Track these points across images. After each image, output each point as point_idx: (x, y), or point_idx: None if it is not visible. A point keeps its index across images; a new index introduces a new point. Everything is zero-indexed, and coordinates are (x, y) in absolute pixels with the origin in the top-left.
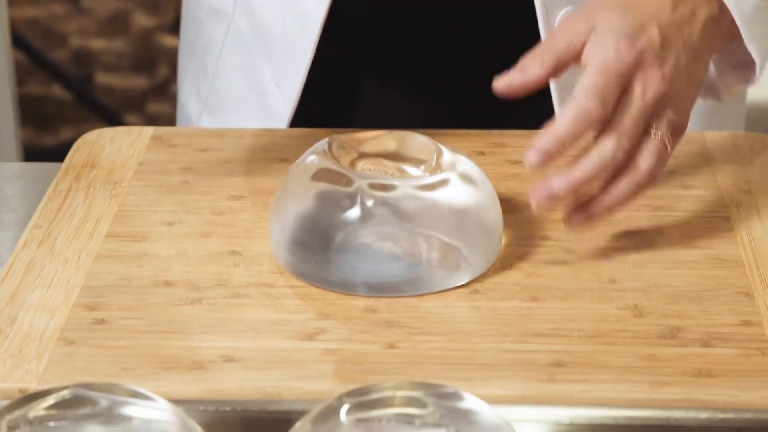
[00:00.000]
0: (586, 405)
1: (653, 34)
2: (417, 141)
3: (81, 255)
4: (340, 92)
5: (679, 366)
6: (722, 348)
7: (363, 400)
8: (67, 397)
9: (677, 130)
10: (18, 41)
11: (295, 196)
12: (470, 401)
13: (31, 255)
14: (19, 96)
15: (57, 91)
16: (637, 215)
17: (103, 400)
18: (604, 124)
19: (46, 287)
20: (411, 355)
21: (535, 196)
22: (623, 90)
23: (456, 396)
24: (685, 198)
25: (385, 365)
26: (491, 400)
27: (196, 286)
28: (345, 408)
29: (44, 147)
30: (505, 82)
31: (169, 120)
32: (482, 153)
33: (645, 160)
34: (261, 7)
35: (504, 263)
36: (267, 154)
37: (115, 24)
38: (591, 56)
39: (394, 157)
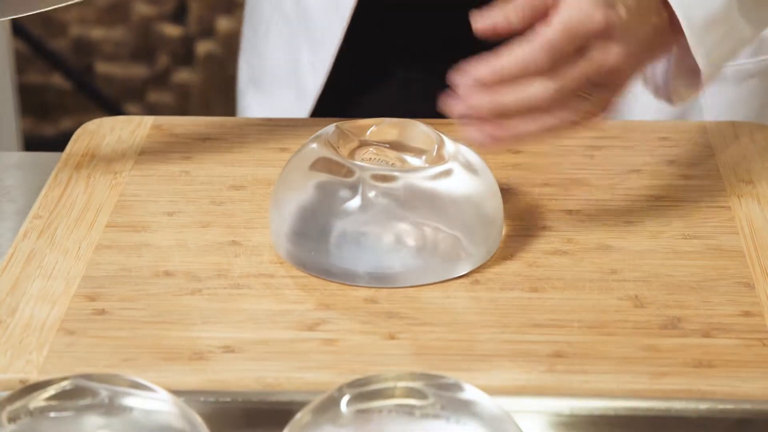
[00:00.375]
0: (586, 396)
1: (623, 12)
2: (419, 130)
3: (81, 245)
4: (368, 80)
5: (680, 357)
6: (722, 338)
7: (363, 390)
8: (68, 388)
9: (606, 109)
10: (18, 30)
11: (295, 185)
12: (470, 392)
13: (31, 245)
14: (19, 85)
15: (57, 80)
16: (637, 205)
17: (104, 391)
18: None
19: (46, 277)
20: (411, 345)
21: (452, 101)
22: (579, 49)
23: (456, 387)
24: (685, 187)
25: (386, 356)
26: (491, 391)
27: (197, 277)
28: (345, 399)
29: (44, 136)
30: (488, 22)
31: (170, 109)
32: None
33: (565, 113)
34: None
35: (504, 253)
36: (267, 144)
37: (115, 13)
38: (562, 9)
39: (396, 146)
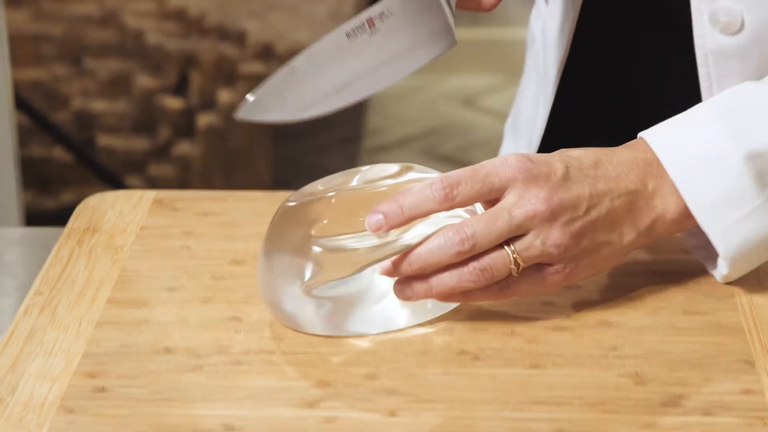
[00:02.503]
0: None
1: (557, 167)
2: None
3: (82, 322)
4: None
5: None
6: (724, 416)
7: None
8: None
9: (551, 262)
10: (21, 103)
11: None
12: None
13: (32, 322)
14: (21, 158)
15: (59, 153)
16: (637, 281)
17: None
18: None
19: (47, 355)
20: (412, 423)
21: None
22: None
23: None
24: (685, 263)
25: None
26: None
27: (197, 353)
28: None
29: (46, 209)
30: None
31: (171, 181)
32: None
33: (480, 262)
34: (545, 47)
35: (504, 329)
36: (267, 218)
37: (117, 86)
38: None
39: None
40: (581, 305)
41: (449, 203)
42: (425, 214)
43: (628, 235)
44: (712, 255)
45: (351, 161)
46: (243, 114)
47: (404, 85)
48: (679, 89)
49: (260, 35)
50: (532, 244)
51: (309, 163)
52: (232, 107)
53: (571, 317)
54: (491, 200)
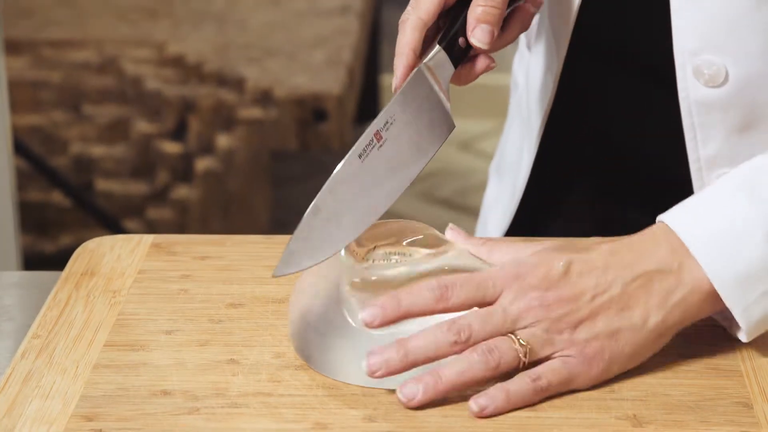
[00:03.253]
0: None
1: (557, 264)
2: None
3: (79, 365)
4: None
5: None
6: None
7: None
8: None
9: (560, 351)
10: (19, 148)
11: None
12: None
13: (29, 365)
14: (19, 202)
15: (57, 197)
16: None
17: None
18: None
19: (44, 398)
20: None
21: (370, 360)
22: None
23: None
24: None
25: None
26: None
27: (194, 396)
28: None
29: (43, 253)
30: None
31: (169, 225)
32: None
33: (483, 344)
34: (528, 92)
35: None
36: (266, 262)
37: (116, 130)
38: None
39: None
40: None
41: (444, 304)
42: (420, 313)
43: (653, 317)
44: (733, 322)
45: None
46: (279, 271)
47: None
48: (663, 138)
49: (259, 81)
50: (534, 333)
51: (306, 206)
52: (231, 151)
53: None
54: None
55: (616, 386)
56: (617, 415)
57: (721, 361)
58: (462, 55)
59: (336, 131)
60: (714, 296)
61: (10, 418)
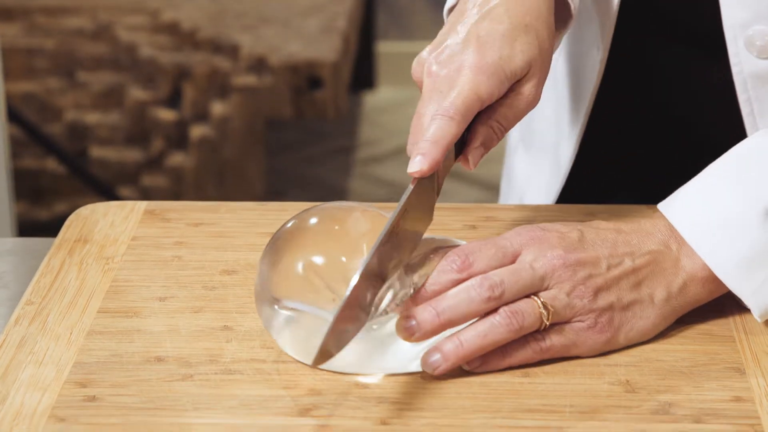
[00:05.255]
0: None
1: (572, 234)
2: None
3: (73, 331)
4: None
5: None
6: (714, 424)
7: None
8: None
9: (579, 317)
10: (13, 115)
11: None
12: None
13: (23, 332)
14: (14, 169)
15: (51, 164)
16: None
17: None
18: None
19: (37, 364)
20: (403, 431)
21: (404, 324)
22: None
23: None
24: None
25: None
26: None
27: (188, 362)
28: None
29: (38, 220)
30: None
31: (164, 193)
32: (474, 227)
33: (510, 306)
34: (563, 62)
35: None
36: (260, 229)
37: (110, 98)
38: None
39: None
40: None
41: (468, 271)
42: (446, 287)
43: (660, 294)
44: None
45: (344, 172)
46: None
47: (397, 97)
48: (718, 112)
49: (253, 48)
50: (557, 296)
51: (301, 175)
52: (225, 119)
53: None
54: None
55: (609, 352)
56: (610, 380)
57: (714, 327)
58: (461, 148)
59: (331, 99)
60: (716, 281)
61: (3, 384)
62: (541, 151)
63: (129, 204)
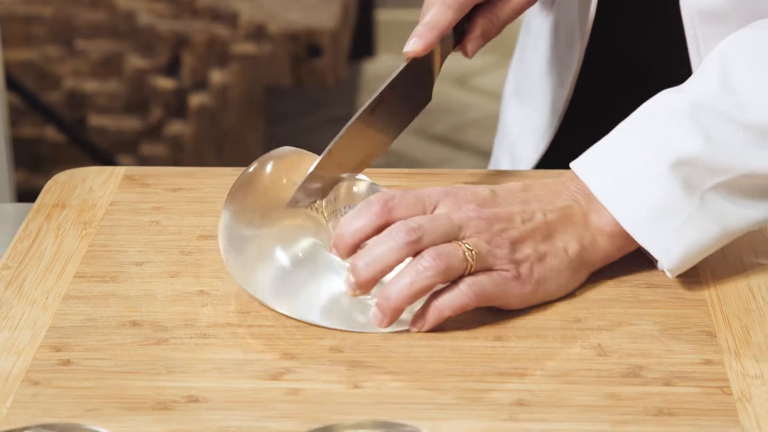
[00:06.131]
0: None
1: (482, 191)
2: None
3: (49, 296)
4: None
5: (641, 405)
6: (684, 387)
7: None
8: None
9: (500, 265)
10: (11, 83)
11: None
12: None
13: None
14: (13, 138)
15: (50, 133)
16: None
17: None
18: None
19: (12, 328)
20: (375, 395)
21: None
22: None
23: None
24: None
25: (350, 405)
26: None
27: (164, 327)
28: None
29: (37, 189)
30: None
31: (163, 161)
32: None
33: (429, 251)
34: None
35: None
36: None
37: (109, 66)
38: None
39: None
40: None
41: (386, 216)
42: (368, 232)
43: (573, 247)
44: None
45: None
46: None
47: (396, 65)
48: (667, 50)
49: (253, 16)
50: (477, 243)
51: (301, 143)
52: (225, 87)
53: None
54: None
55: (582, 316)
56: (582, 344)
57: (686, 291)
58: (461, 38)
59: (330, 67)
60: (623, 236)
61: None
62: (535, 101)
63: (108, 169)
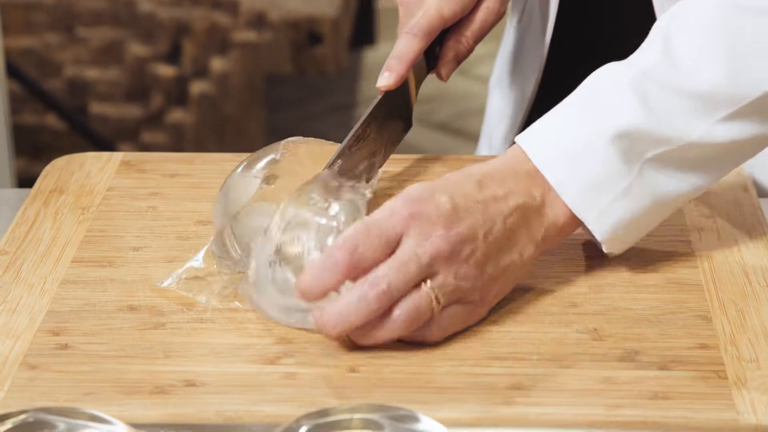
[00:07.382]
0: (542, 427)
1: (442, 200)
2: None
3: (47, 280)
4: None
5: (636, 389)
6: (679, 371)
7: (320, 422)
8: (27, 421)
9: (465, 296)
10: (12, 71)
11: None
12: (426, 423)
13: None
14: (13, 125)
15: (51, 120)
16: None
17: (62, 425)
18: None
19: (10, 312)
20: (372, 378)
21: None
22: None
23: (412, 418)
24: None
25: (346, 389)
26: (449, 423)
27: (161, 311)
28: (302, 430)
29: (38, 176)
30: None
31: (163, 149)
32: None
33: (400, 307)
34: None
35: None
36: None
37: (110, 53)
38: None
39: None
40: (542, 262)
41: (355, 272)
42: (335, 286)
43: (528, 250)
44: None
45: (344, 129)
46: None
47: None
48: (635, 33)
49: (253, 3)
50: (445, 281)
51: (302, 131)
52: (225, 75)
53: (531, 275)
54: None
55: (578, 300)
56: (578, 329)
57: (682, 276)
58: (435, 62)
59: (331, 55)
60: (576, 224)
61: None
62: (511, 87)
63: (105, 155)
